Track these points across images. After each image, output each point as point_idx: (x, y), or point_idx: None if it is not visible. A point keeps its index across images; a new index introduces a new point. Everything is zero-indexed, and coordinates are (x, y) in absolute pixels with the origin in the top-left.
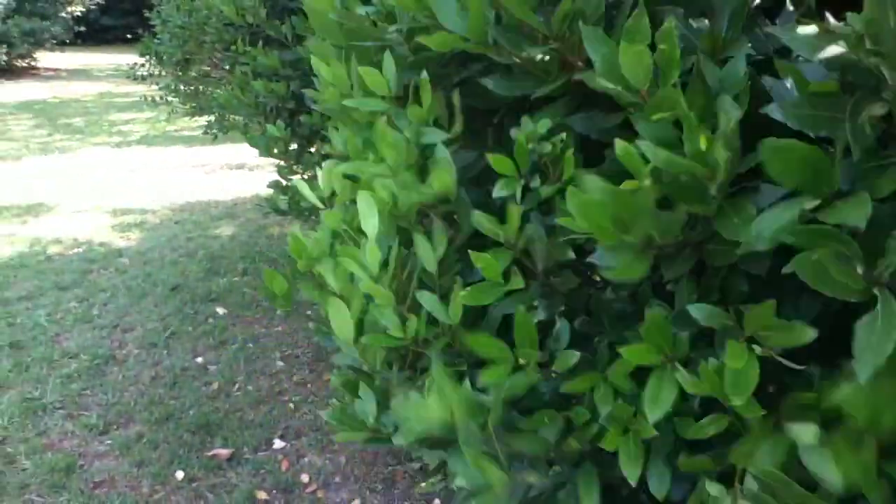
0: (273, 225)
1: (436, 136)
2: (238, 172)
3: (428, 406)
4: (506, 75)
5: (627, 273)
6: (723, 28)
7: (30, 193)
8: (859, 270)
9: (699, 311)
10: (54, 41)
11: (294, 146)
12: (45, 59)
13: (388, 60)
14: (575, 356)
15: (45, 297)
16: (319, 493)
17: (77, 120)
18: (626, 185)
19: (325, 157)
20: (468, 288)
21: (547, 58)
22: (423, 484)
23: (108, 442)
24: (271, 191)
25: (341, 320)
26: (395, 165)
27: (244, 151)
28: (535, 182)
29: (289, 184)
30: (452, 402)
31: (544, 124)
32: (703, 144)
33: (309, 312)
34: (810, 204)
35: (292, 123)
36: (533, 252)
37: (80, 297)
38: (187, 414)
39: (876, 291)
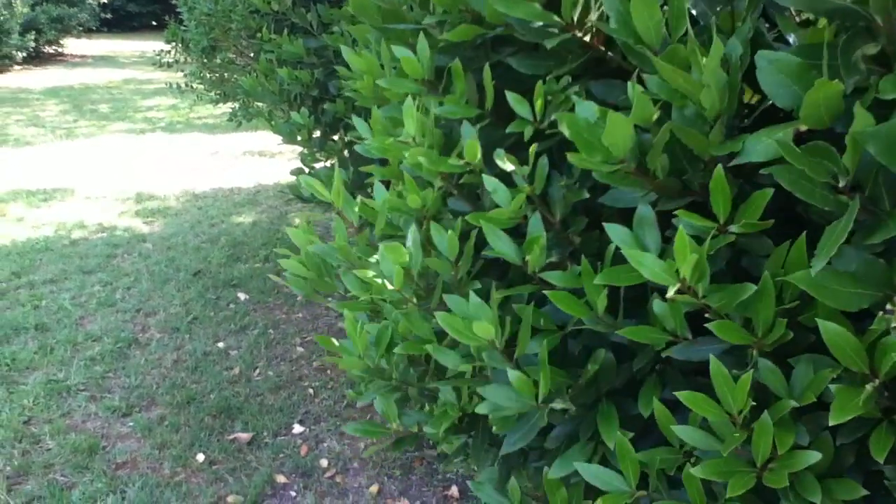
0: (295, 212)
1: (464, 112)
2: (260, 160)
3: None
4: (529, 55)
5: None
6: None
7: (55, 178)
8: (842, 183)
9: None
10: (81, 28)
11: (317, 134)
12: (72, 45)
13: (423, 44)
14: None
15: (70, 281)
16: (338, 478)
17: (102, 106)
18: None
19: (350, 144)
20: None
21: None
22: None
23: (131, 424)
24: (293, 178)
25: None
26: (421, 138)
27: (266, 139)
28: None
29: (311, 171)
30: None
31: (564, 80)
32: (710, 65)
33: (330, 299)
34: (804, 126)
35: (316, 111)
36: (550, 197)
37: (104, 282)
38: (208, 398)
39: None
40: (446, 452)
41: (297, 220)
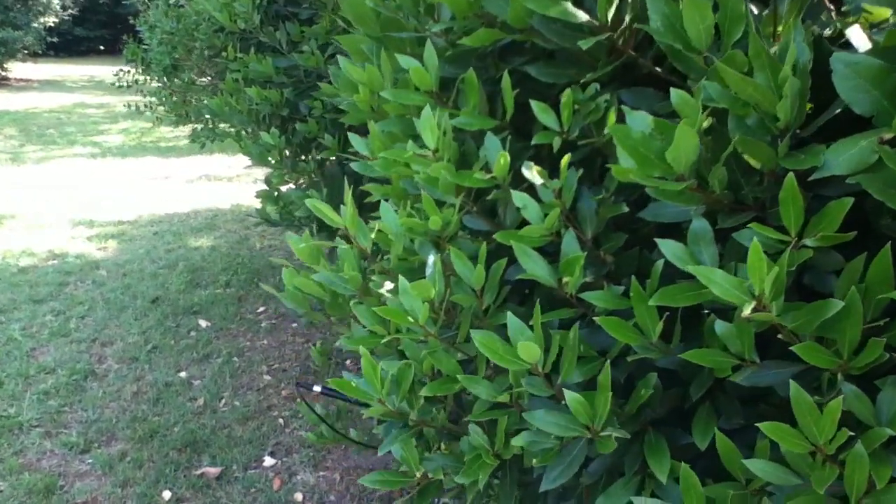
0: (254, 236)
1: (481, 124)
2: (216, 183)
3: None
4: (550, 63)
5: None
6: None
7: (1, 204)
8: None
9: None
10: (26, 51)
11: (287, 154)
12: (17, 69)
13: (431, 53)
14: None
15: (20, 311)
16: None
17: (51, 131)
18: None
19: (321, 163)
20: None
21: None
22: None
23: (90, 461)
24: (251, 202)
25: (374, 374)
26: (441, 151)
27: (221, 162)
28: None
29: (280, 193)
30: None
31: (591, 88)
32: (774, 75)
33: (294, 324)
34: (888, 134)
35: (286, 131)
36: (581, 215)
37: (56, 311)
38: (172, 431)
39: None
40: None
41: (256, 243)
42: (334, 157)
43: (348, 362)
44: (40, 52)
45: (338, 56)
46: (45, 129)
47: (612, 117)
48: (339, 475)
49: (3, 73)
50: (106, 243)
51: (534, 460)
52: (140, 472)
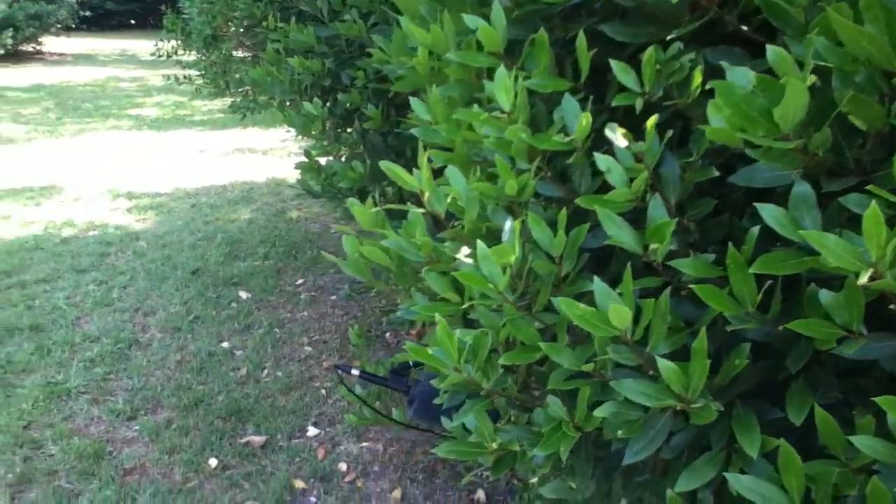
0: (291, 209)
1: (555, 85)
2: (250, 157)
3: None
4: (625, 22)
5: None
6: None
7: (42, 176)
8: None
9: None
10: (59, 26)
11: (329, 125)
12: (51, 43)
13: (498, 11)
14: None
15: (63, 280)
16: (359, 483)
17: (86, 104)
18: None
19: (363, 134)
20: None
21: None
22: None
23: (136, 428)
24: (286, 175)
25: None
26: (517, 113)
27: (255, 136)
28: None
29: (321, 165)
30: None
31: (674, 47)
32: (890, 28)
33: (333, 297)
34: None
35: (328, 102)
36: (664, 180)
37: (98, 280)
38: (216, 400)
39: None
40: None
41: (293, 215)
42: (377, 129)
43: (387, 335)
44: (73, 25)
45: (398, 19)
46: (81, 102)
47: (697, 77)
48: (382, 446)
49: (38, 48)
50: (145, 215)
51: (619, 432)
52: (186, 439)
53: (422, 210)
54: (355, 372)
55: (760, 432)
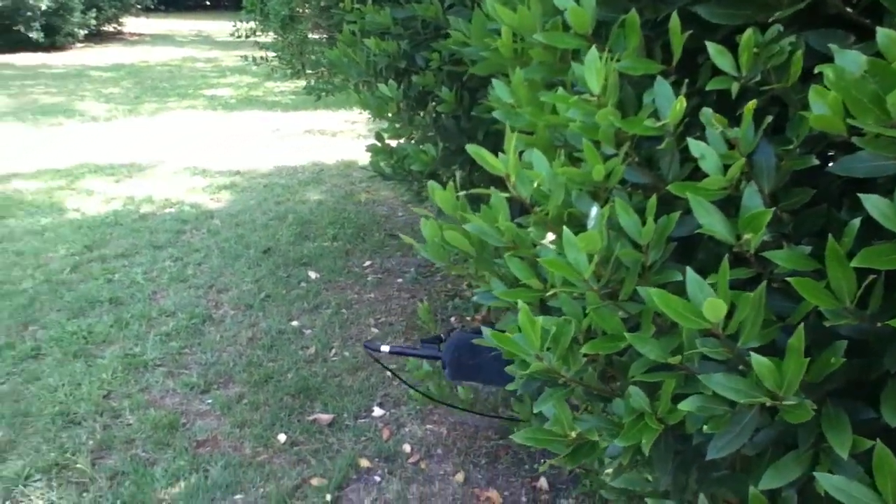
0: (359, 191)
1: (646, 68)
2: (321, 138)
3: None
4: (721, 3)
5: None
6: None
7: (122, 153)
8: None
9: None
10: (139, 7)
11: (403, 107)
12: (131, 24)
13: None
14: None
15: (141, 256)
16: (422, 465)
17: (163, 84)
18: None
19: (436, 117)
20: None
21: None
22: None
23: (209, 401)
24: (355, 157)
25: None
26: (606, 97)
27: (325, 117)
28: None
29: (392, 148)
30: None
31: (774, 29)
32: None
33: (400, 280)
34: None
35: (402, 84)
36: (758, 168)
37: (174, 257)
38: (286, 377)
39: None
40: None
41: (362, 197)
42: (450, 112)
43: (452, 319)
44: (152, 6)
45: (478, 1)
46: (159, 82)
47: (798, 61)
48: (445, 429)
49: (119, 28)
50: (219, 194)
51: (704, 427)
52: (256, 414)
53: (506, 194)
54: (385, 349)
55: (855, 433)
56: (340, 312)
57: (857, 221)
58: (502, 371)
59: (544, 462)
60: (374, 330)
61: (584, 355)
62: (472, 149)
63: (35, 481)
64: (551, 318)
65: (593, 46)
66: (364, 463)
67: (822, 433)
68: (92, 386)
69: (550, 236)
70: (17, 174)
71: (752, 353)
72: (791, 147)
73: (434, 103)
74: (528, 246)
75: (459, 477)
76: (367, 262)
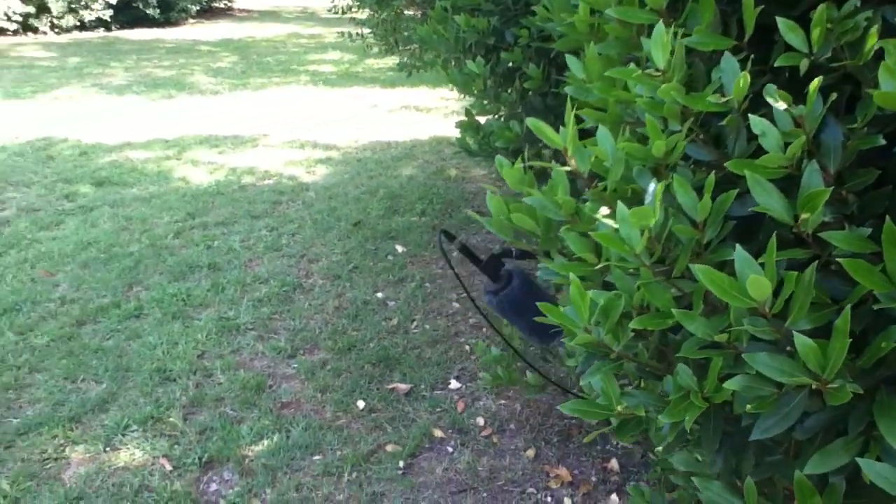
0: (450, 167)
1: (717, 43)
2: (417, 115)
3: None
4: None
5: None
6: None
7: (227, 126)
8: None
9: None
10: None
11: (491, 84)
12: (240, 0)
13: None
14: None
15: (239, 224)
16: (494, 438)
17: (268, 59)
18: None
19: (523, 94)
20: None
21: None
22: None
23: (295, 366)
24: (449, 134)
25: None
26: (671, 72)
27: (422, 94)
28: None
29: (480, 124)
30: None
31: (850, 4)
32: None
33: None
34: None
35: (490, 60)
36: (825, 147)
37: (270, 227)
38: (368, 346)
39: None
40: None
41: (452, 173)
42: (537, 89)
43: None
44: None
45: None
46: (263, 57)
47: (872, 37)
48: (519, 405)
49: (229, 4)
50: (315, 167)
51: (748, 406)
52: (338, 380)
53: (566, 168)
54: (457, 244)
55: None
56: (424, 286)
57: None
58: (546, 329)
59: (592, 432)
60: (456, 304)
61: (634, 331)
62: (531, 122)
63: (132, 431)
64: (603, 292)
65: (660, 21)
66: (438, 433)
67: (874, 420)
68: (188, 346)
69: (606, 211)
70: (131, 143)
71: (795, 333)
72: (857, 126)
73: (521, 80)
74: (588, 221)
75: (530, 453)
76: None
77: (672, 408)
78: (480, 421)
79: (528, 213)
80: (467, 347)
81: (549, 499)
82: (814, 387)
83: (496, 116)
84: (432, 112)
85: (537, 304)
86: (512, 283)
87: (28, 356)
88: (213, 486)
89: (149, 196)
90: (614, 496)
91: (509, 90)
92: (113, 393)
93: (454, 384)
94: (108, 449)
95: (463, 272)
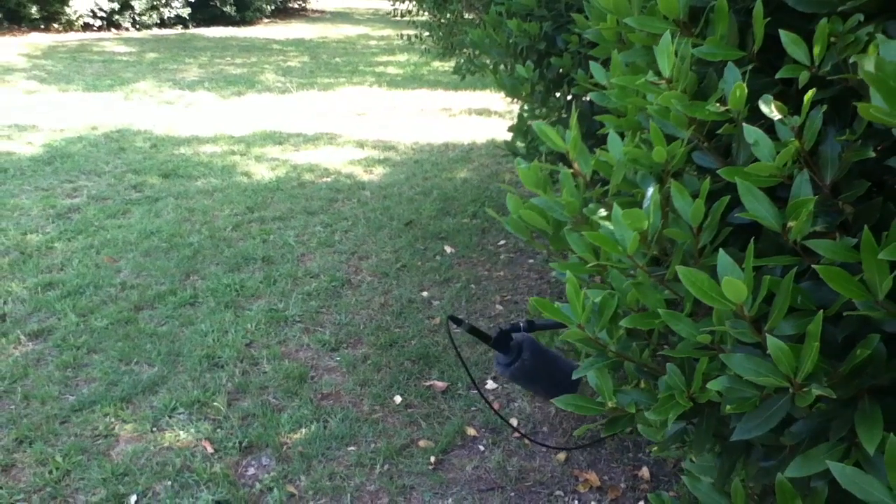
0: (505, 172)
1: (726, 54)
2: (477, 118)
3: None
4: None
5: None
6: None
7: (292, 125)
8: None
9: None
10: None
11: (540, 89)
12: (314, 1)
13: None
14: None
15: (295, 220)
16: (526, 440)
17: (336, 59)
18: None
19: (572, 101)
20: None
21: None
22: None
23: (338, 359)
24: (508, 136)
25: (577, 300)
26: (676, 80)
27: (485, 98)
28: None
29: (529, 128)
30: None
31: (854, 18)
32: None
33: (531, 260)
34: None
35: (540, 66)
36: (822, 158)
37: (324, 223)
38: (409, 343)
39: None
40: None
41: (506, 177)
42: (586, 95)
43: None
44: None
45: None
46: (333, 57)
47: (872, 51)
48: (553, 409)
49: (302, 4)
50: (373, 167)
51: (727, 407)
52: (378, 375)
53: (571, 170)
54: (463, 327)
55: (892, 431)
56: (469, 287)
57: None
58: (567, 386)
59: (581, 427)
60: (499, 307)
61: (628, 330)
62: (537, 125)
63: (178, 413)
64: (599, 290)
65: (667, 31)
66: (471, 431)
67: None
68: (237, 335)
69: (603, 213)
70: (199, 138)
71: (768, 336)
72: (848, 137)
73: (569, 86)
74: (593, 222)
75: (561, 456)
76: (502, 241)
77: (659, 406)
78: (514, 422)
79: (541, 214)
80: (453, 349)
81: (576, 502)
82: (791, 390)
83: (549, 122)
84: (493, 116)
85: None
86: (522, 356)
87: (87, 337)
88: (251, 471)
89: (212, 189)
90: (642, 503)
91: (558, 94)
92: (163, 376)
93: (491, 384)
94: (154, 429)
95: (509, 275)
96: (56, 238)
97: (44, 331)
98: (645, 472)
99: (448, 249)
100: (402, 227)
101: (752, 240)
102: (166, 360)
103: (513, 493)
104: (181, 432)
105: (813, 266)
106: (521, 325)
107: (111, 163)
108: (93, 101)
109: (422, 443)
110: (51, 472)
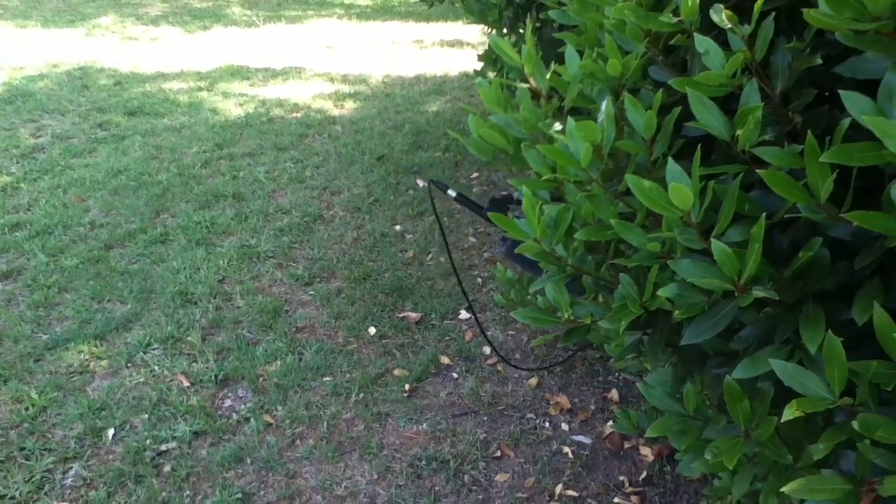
0: (478, 103)
1: None
2: (450, 50)
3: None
4: None
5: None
6: None
7: (259, 59)
8: None
9: None
10: None
11: (508, 14)
12: None
13: None
14: None
15: (265, 156)
16: (499, 367)
17: None
18: None
19: (541, 27)
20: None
21: None
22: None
23: (311, 293)
24: (480, 66)
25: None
26: None
27: (458, 30)
28: None
29: (498, 56)
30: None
31: None
32: None
33: (504, 192)
34: None
35: None
36: (773, 68)
37: (295, 159)
38: (383, 276)
39: None
40: (610, 355)
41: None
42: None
43: None
44: None
45: None
46: None
47: None
48: (526, 336)
49: None
50: (343, 101)
51: (677, 312)
52: (352, 308)
53: (526, 85)
54: (451, 193)
55: (838, 333)
56: (442, 221)
57: (847, 121)
58: None
59: (539, 338)
60: (472, 239)
61: (583, 243)
62: (492, 39)
63: (153, 349)
64: (555, 205)
65: None
66: (444, 360)
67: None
68: (209, 271)
69: (559, 127)
70: (164, 74)
71: (713, 240)
72: (799, 45)
73: (537, 11)
74: (549, 138)
75: (533, 381)
76: (475, 174)
77: (613, 314)
78: (487, 350)
79: (501, 133)
80: (479, 280)
81: (546, 424)
82: (736, 294)
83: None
84: (466, 48)
85: (489, 213)
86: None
87: (58, 276)
88: (228, 402)
89: (179, 126)
90: (611, 423)
91: (525, 21)
92: (137, 313)
93: (464, 314)
94: (129, 365)
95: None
96: (21, 178)
97: (13, 271)
98: (614, 393)
99: (421, 183)
100: (374, 162)
101: (698, 146)
102: (139, 298)
103: (486, 417)
104: (156, 367)
105: (758, 171)
106: (515, 196)
107: (75, 101)
108: (53, 37)
109: (396, 372)
110: (27, 409)
